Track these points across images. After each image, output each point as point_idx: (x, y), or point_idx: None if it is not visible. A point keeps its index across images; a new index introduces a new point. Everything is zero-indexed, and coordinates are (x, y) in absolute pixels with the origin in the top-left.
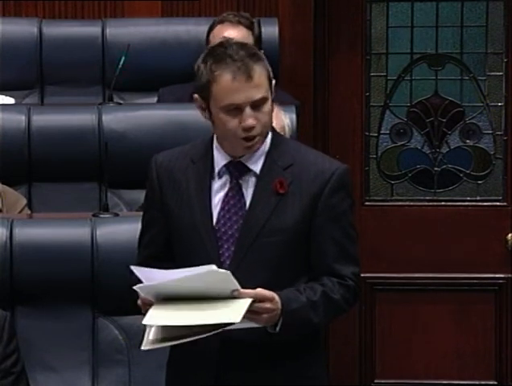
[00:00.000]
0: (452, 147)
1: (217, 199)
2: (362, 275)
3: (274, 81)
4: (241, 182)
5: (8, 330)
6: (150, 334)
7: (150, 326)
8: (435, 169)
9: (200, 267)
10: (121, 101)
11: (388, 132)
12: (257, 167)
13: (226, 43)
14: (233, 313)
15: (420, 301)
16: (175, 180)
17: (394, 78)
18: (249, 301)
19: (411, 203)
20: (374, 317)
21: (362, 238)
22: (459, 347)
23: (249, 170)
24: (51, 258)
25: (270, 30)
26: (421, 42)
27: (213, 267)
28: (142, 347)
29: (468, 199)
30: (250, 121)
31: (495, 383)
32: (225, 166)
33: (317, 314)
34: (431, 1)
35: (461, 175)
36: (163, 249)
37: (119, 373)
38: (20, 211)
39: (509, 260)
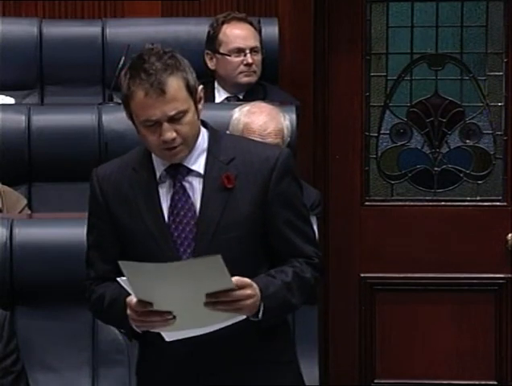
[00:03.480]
0: (452, 147)
1: (166, 204)
2: (362, 275)
3: (200, 87)
4: (184, 183)
5: (8, 329)
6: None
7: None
8: (435, 169)
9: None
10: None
11: (388, 132)
12: (199, 166)
13: (146, 54)
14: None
15: (420, 301)
16: (121, 192)
17: (394, 78)
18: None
19: (411, 203)
20: (374, 317)
21: (362, 238)
22: (459, 347)
23: (191, 171)
24: (51, 258)
25: (270, 30)
26: (421, 42)
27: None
28: (168, 339)
29: (468, 199)
30: (168, 135)
31: (495, 383)
32: (165, 170)
33: (293, 295)
34: (431, 1)
35: (461, 175)
36: (114, 267)
37: (119, 373)
38: (20, 211)
39: (509, 260)
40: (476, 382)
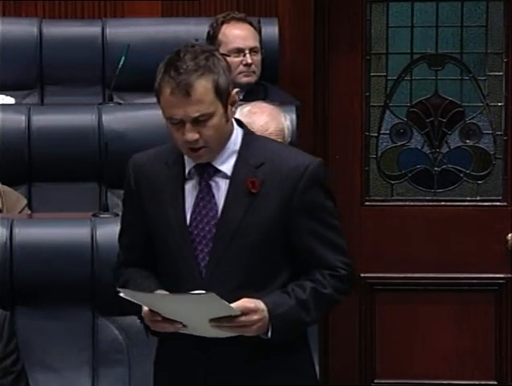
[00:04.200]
0: (452, 147)
1: (190, 201)
2: (362, 275)
3: (235, 90)
4: (211, 183)
5: (8, 329)
6: None
7: None
8: (435, 169)
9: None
10: (121, 101)
11: (388, 132)
12: (227, 168)
13: (183, 51)
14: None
15: (420, 301)
16: (152, 184)
17: (394, 78)
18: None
19: (411, 203)
20: (374, 317)
21: (362, 238)
22: (459, 347)
23: (219, 171)
24: (51, 258)
25: (270, 30)
26: (421, 42)
27: (203, 292)
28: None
29: (468, 199)
30: (189, 136)
31: (495, 383)
32: (194, 167)
33: (309, 313)
34: (431, 1)
35: (461, 175)
36: (142, 255)
37: (119, 373)
38: (20, 212)
39: (509, 260)
40: (476, 382)
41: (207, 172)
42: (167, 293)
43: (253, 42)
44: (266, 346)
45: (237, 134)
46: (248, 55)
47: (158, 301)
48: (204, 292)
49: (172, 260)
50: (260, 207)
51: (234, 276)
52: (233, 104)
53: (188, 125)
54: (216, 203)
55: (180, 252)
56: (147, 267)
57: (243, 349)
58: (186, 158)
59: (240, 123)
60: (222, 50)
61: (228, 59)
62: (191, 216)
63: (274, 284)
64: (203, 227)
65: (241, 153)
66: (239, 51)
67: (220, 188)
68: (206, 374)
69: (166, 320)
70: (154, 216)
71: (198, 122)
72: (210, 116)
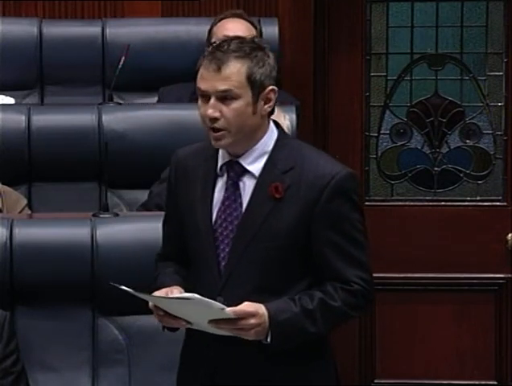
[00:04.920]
0: (452, 147)
1: (218, 198)
2: None
3: (271, 87)
4: (239, 182)
5: (8, 329)
6: None
7: None
8: (435, 169)
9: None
10: (121, 101)
11: (388, 132)
12: (256, 169)
13: (233, 38)
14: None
15: (420, 301)
16: (188, 179)
17: (394, 78)
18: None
19: (411, 203)
20: (374, 317)
21: None
22: (459, 347)
23: (248, 171)
24: (51, 258)
25: (270, 30)
26: (421, 42)
27: (196, 295)
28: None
29: (468, 199)
30: (210, 111)
31: (495, 383)
32: (225, 164)
33: (314, 323)
34: (431, 1)
35: (461, 175)
36: (178, 249)
37: (119, 373)
38: (20, 211)
39: (509, 260)
40: (476, 382)
41: (235, 171)
42: (162, 294)
43: (242, 32)
44: (281, 354)
45: (271, 135)
46: None
47: (157, 302)
48: (188, 295)
49: (197, 258)
50: (282, 212)
51: (250, 279)
52: (267, 101)
53: (212, 100)
54: (241, 204)
55: (203, 250)
56: (181, 262)
57: (257, 352)
58: (220, 153)
59: (276, 124)
60: (212, 39)
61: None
62: (216, 214)
63: (292, 290)
64: (226, 226)
65: (272, 156)
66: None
67: (248, 188)
68: (217, 372)
69: (169, 315)
70: (185, 212)
71: (222, 100)
72: (235, 97)
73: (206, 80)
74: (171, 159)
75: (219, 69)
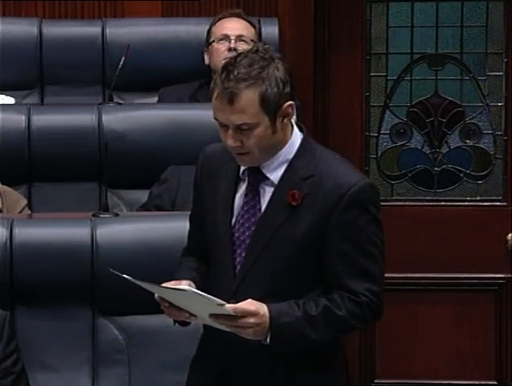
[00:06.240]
0: (452, 147)
1: (238, 202)
2: None
3: (288, 103)
4: (259, 189)
5: (8, 329)
6: None
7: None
8: (435, 169)
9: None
10: (121, 101)
11: (388, 132)
12: (275, 176)
13: (243, 54)
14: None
15: (420, 301)
16: (213, 177)
17: (394, 78)
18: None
19: (411, 203)
20: None
21: None
22: (459, 347)
23: (268, 179)
24: (51, 258)
25: (270, 30)
26: (421, 42)
27: (188, 288)
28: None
29: (468, 199)
30: (230, 142)
31: (495, 383)
32: (246, 170)
33: (316, 330)
34: (431, 1)
35: (461, 175)
36: (200, 247)
37: (119, 373)
38: (20, 212)
39: (509, 260)
40: (476, 382)
41: (256, 177)
42: (163, 285)
43: (241, 31)
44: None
45: (293, 142)
46: (233, 41)
47: (157, 291)
48: (183, 287)
49: (215, 259)
50: (298, 220)
51: (263, 285)
52: (286, 116)
53: (231, 131)
54: (260, 209)
55: (221, 253)
56: (203, 259)
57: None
58: None
59: (301, 129)
60: (211, 39)
61: (215, 46)
62: (236, 218)
63: (304, 298)
64: (244, 231)
65: (292, 164)
66: (225, 38)
67: (267, 195)
68: (230, 373)
69: (173, 307)
70: (207, 211)
71: (241, 130)
72: (253, 126)
73: (221, 112)
74: (199, 156)
75: (231, 102)
